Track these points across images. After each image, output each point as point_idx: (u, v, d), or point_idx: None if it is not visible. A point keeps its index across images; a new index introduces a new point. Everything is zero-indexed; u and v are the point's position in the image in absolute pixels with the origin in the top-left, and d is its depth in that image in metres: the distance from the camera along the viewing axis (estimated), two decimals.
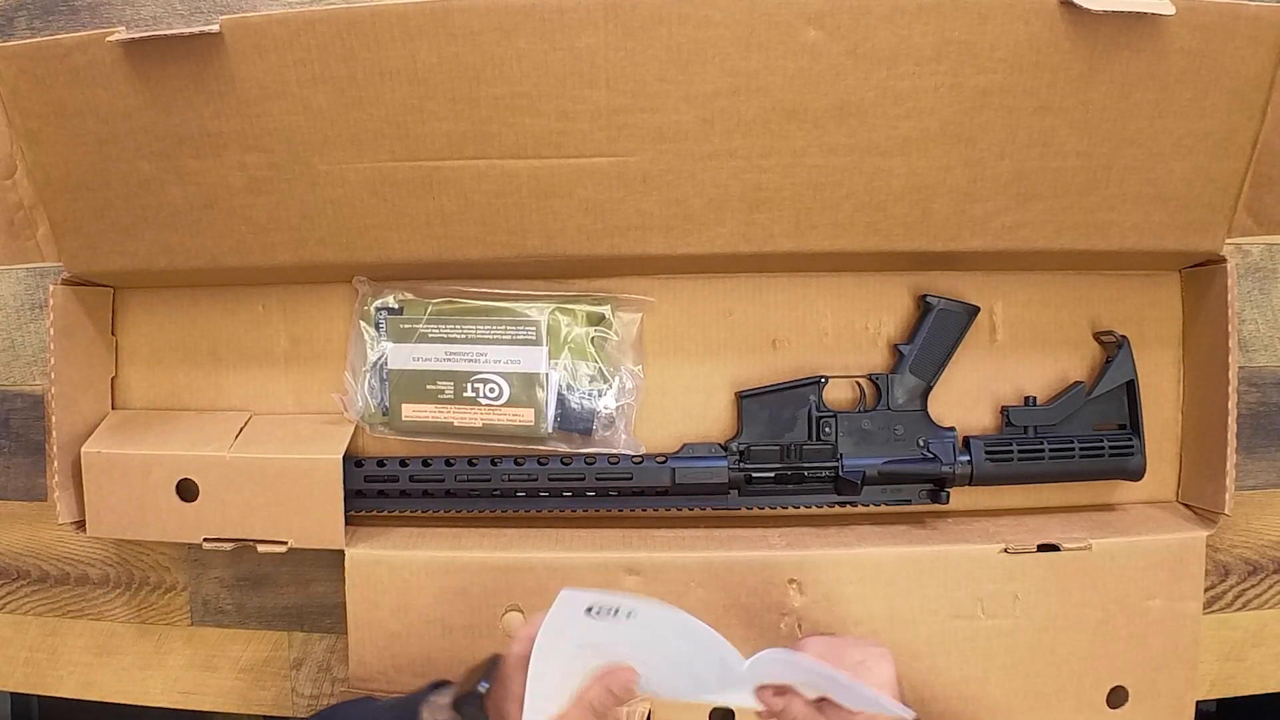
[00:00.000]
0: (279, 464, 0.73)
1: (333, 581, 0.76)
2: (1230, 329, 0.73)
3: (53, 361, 0.75)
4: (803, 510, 0.78)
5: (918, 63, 0.64)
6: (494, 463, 0.76)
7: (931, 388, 0.77)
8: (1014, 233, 0.71)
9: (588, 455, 0.76)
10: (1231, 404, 0.73)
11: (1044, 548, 0.72)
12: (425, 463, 0.76)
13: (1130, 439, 0.76)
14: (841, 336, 0.79)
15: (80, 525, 0.76)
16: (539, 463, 0.75)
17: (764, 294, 0.79)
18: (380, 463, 0.76)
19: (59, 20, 0.82)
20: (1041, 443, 0.76)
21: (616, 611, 0.54)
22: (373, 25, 0.63)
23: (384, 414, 0.77)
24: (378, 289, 0.78)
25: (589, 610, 0.54)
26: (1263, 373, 0.82)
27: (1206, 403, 0.76)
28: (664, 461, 0.76)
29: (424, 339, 0.76)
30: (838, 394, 0.78)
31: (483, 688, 0.56)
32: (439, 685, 0.61)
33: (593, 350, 0.76)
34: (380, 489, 0.76)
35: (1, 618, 0.86)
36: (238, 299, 0.81)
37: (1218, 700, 0.82)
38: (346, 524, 0.74)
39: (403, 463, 0.76)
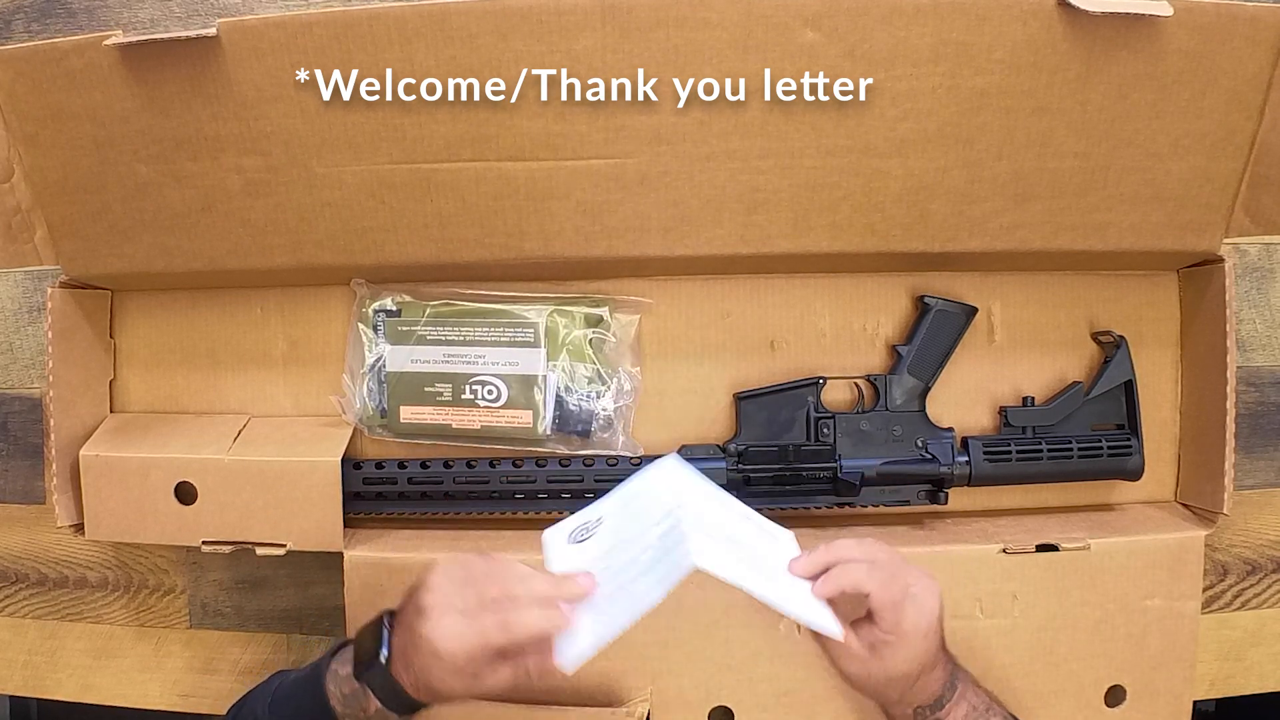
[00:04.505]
0: (277, 466, 0.73)
1: (331, 584, 0.76)
2: (1228, 329, 0.73)
3: (51, 364, 0.75)
4: (801, 511, 0.78)
5: (915, 64, 0.64)
6: (492, 465, 0.76)
7: (930, 388, 0.77)
8: (1012, 233, 0.71)
9: (586, 457, 0.76)
10: (1230, 404, 0.73)
11: (1042, 548, 0.72)
12: (424, 465, 0.76)
13: (1128, 439, 0.76)
14: (839, 337, 0.79)
15: (79, 528, 0.76)
16: (537, 465, 0.75)
17: (762, 295, 0.79)
18: (379, 465, 0.76)
19: (56, 24, 0.82)
20: (1040, 443, 0.76)
21: (588, 524, 0.57)
22: (370, 28, 0.63)
23: (382, 416, 0.77)
24: (376, 291, 0.78)
25: (570, 538, 0.57)
26: (1260, 372, 0.82)
27: (1204, 402, 0.76)
28: None
29: (422, 341, 0.76)
30: (836, 395, 0.78)
31: (383, 656, 0.55)
32: (340, 648, 0.59)
33: (591, 352, 0.76)
34: (379, 491, 0.76)
35: (0, 621, 0.86)
36: (236, 301, 0.81)
37: (1217, 700, 0.83)
38: (345, 526, 0.74)
39: (401, 465, 0.76)
